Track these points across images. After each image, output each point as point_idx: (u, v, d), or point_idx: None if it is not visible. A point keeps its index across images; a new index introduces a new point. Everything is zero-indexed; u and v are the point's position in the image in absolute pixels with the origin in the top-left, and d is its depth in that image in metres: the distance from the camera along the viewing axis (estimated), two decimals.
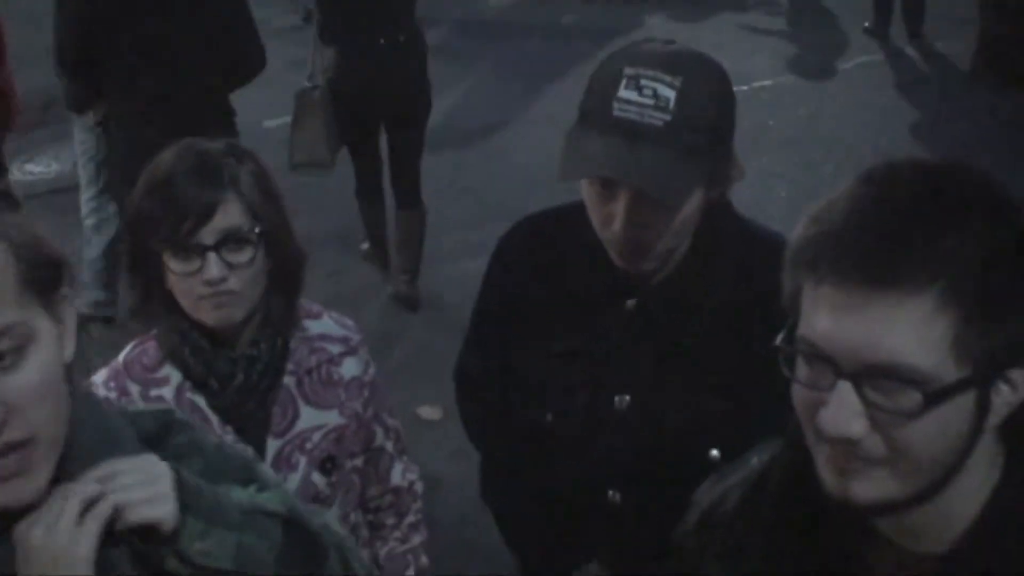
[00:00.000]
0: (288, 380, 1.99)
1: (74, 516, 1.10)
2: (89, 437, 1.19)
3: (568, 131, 1.71)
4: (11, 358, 1.08)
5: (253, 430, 1.96)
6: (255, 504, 1.24)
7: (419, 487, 2.24)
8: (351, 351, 2.07)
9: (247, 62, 4.17)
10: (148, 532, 1.14)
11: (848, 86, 7.94)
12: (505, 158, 6.92)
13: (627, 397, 1.80)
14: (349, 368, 2.06)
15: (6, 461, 1.08)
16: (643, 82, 1.61)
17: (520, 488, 2.00)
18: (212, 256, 1.81)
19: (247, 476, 1.30)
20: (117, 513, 1.12)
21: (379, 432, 2.14)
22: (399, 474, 2.20)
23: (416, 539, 2.23)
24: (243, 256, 1.84)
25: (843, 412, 1.06)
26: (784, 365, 1.14)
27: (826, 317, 1.07)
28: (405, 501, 2.21)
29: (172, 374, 1.95)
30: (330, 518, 1.40)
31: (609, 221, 1.68)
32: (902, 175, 1.11)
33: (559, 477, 1.89)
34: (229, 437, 1.94)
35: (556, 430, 1.86)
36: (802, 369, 1.12)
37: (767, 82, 7.58)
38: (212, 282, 1.82)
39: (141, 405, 1.93)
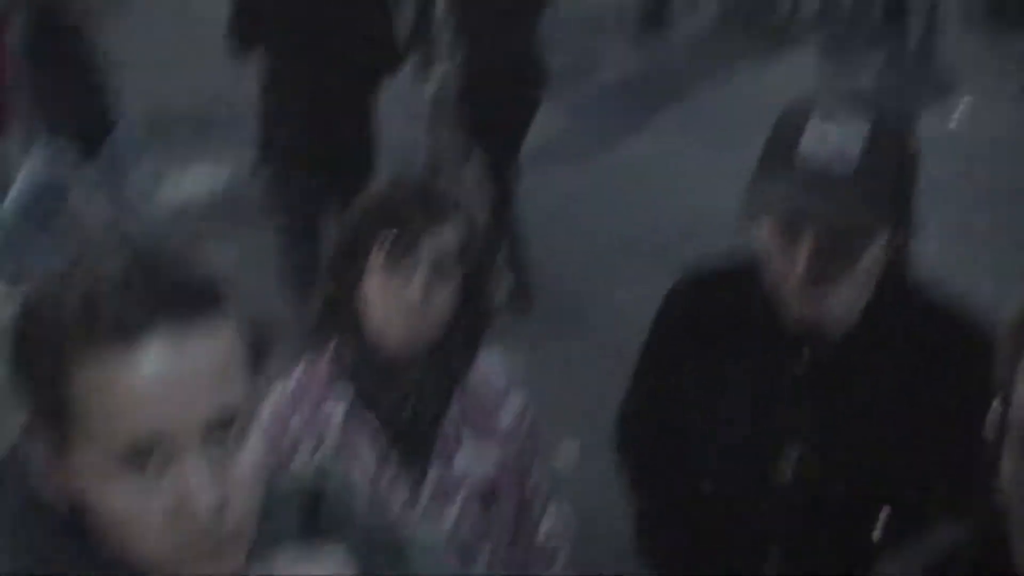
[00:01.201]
0: (451, 417, 2.01)
1: None
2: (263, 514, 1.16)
3: (750, 178, 1.68)
4: (239, 435, 1.06)
5: (415, 460, 1.99)
6: None
7: (569, 533, 2.24)
8: (511, 392, 2.09)
9: (385, 63, 4.65)
10: None
11: (1003, 134, 7.70)
12: (660, 191, 6.92)
13: (792, 459, 1.77)
14: (509, 410, 2.08)
15: (217, 541, 1.05)
16: (828, 131, 1.59)
17: (675, 546, 1.97)
18: (423, 270, 1.86)
19: (395, 557, 1.25)
20: None
21: (534, 475, 2.15)
22: (551, 518, 2.20)
23: None
24: (449, 283, 1.90)
25: None
26: (992, 430, 1.12)
27: None
28: (555, 545, 2.21)
29: (343, 394, 1.99)
30: None
31: (790, 266, 1.65)
32: None
33: (717, 537, 1.86)
34: (392, 465, 1.98)
35: (717, 492, 1.84)
36: (1015, 439, 1.08)
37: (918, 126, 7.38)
38: (415, 295, 1.86)
39: (312, 422, 1.98)
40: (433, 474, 2.00)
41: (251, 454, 1.07)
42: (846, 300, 1.69)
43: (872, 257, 1.65)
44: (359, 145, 4.63)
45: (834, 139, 1.59)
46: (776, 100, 1.78)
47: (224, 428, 1.04)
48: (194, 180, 7.63)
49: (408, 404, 1.97)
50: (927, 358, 1.71)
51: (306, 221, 4.63)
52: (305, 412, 2.00)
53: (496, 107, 5.22)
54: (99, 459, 1.02)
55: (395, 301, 1.88)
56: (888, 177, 1.61)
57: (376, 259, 1.89)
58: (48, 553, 1.07)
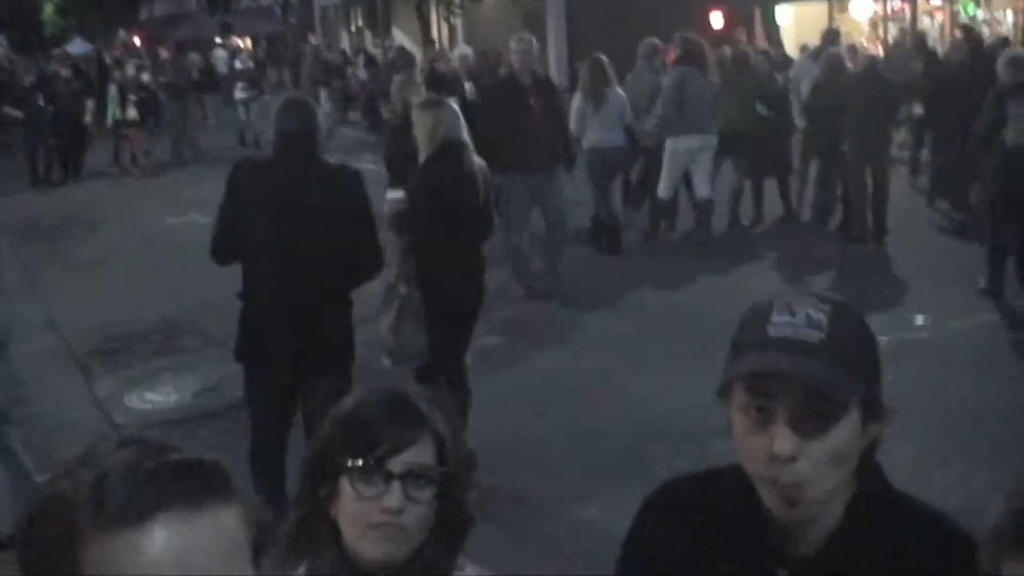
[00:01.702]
0: None
1: None
2: None
3: (725, 363, 1.70)
4: None
5: None
6: None
7: None
8: None
9: (366, 267, 4.90)
10: None
11: (966, 346, 7.85)
12: (621, 403, 6.95)
13: None
14: None
15: None
16: (795, 307, 1.65)
17: None
18: (397, 484, 1.83)
19: None
20: None
21: None
22: None
23: None
24: (424, 493, 1.86)
25: None
26: None
27: None
28: None
29: None
30: None
31: (766, 448, 1.63)
32: None
33: None
34: None
35: None
36: None
37: (883, 338, 7.51)
38: (390, 510, 1.82)
39: None
40: None
41: None
42: (821, 484, 1.64)
43: (845, 434, 1.63)
44: (337, 341, 4.86)
45: (801, 315, 1.64)
46: (735, 311, 1.82)
47: None
48: (161, 390, 7.63)
49: None
50: (906, 568, 1.67)
51: (276, 422, 4.86)
52: None
53: (447, 316, 5.73)
54: None
55: (369, 512, 1.84)
56: (854, 350, 1.64)
57: (348, 476, 1.86)
58: None
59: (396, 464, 1.84)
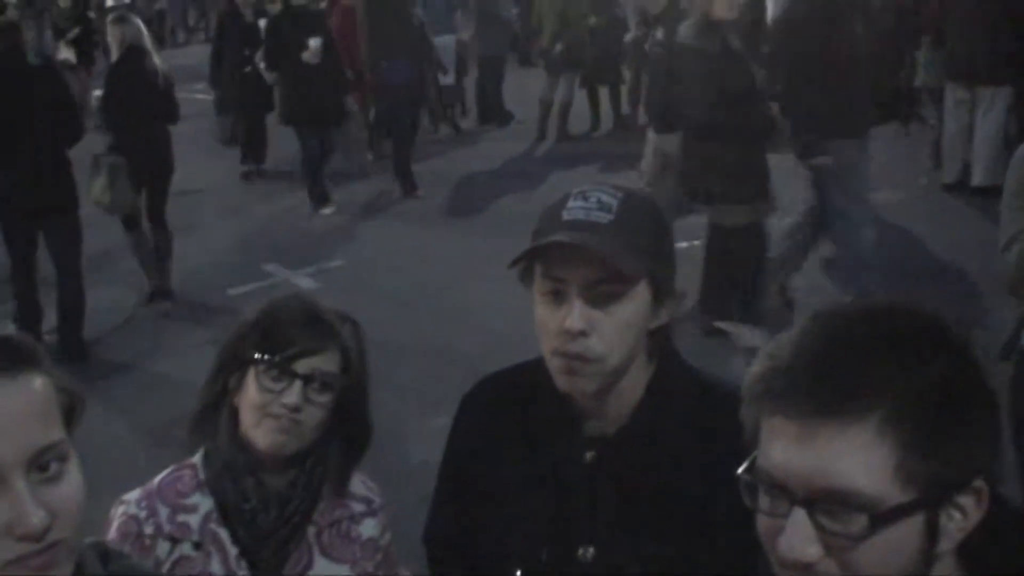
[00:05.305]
0: (310, 529, 2.07)
1: None
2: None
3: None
4: (57, 471, 1.22)
5: (266, 571, 2.03)
6: None
7: None
8: (372, 512, 2.17)
9: (72, 133, 7.05)
10: None
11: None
12: (467, 316, 7.06)
13: (591, 549, 1.81)
14: (367, 528, 2.16)
15: (42, 557, 1.19)
16: (589, 194, 1.79)
17: None
18: (298, 384, 1.96)
19: None
20: None
21: None
22: None
23: None
24: (323, 398, 2.00)
25: (798, 538, 1.12)
26: (747, 495, 1.19)
27: (778, 447, 1.14)
28: None
29: (202, 502, 2.04)
30: None
31: (559, 324, 1.73)
32: (846, 313, 1.19)
33: None
34: (243, 573, 2.01)
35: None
36: (763, 499, 1.17)
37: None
38: (288, 406, 1.96)
39: (167, 528, 2.03)
40: None
41: (71, 485, 1.23)
42: (610, 359, 1.74)
43: (631, 309, 1.74)
44: (62, 190, 6.92)
45: (593, 200, 1.77)
46: None
47: (46, 463, 1.21)
48: None
49: (268, 514, 2.02)
50: (705, 440, 1.78)
51: (25, 256, 7.03)
52: (163, 514, 2.04)
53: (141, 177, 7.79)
54: None
55: (269, 404, 1.97)
56: (643, 231, 1.77)
57: (256, 369, 1.98)
58: None
59: (302, 366, 1.97)
